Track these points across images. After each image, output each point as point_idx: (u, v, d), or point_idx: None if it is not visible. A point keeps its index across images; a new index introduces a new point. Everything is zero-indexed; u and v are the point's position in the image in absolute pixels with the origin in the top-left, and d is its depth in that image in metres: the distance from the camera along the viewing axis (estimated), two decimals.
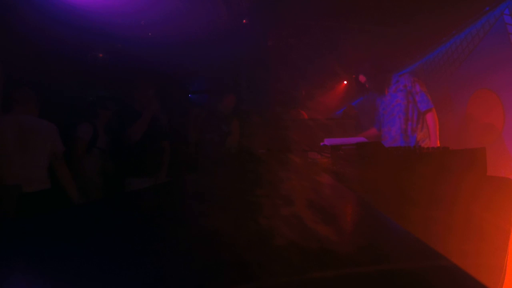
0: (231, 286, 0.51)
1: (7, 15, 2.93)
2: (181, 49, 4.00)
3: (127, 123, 2.98)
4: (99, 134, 3.08)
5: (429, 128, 3.03)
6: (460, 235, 1.28)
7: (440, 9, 3.42)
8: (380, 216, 0.89)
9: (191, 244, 0.70)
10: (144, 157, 3.00)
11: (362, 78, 3.23)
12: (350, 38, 4.32)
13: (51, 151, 2.59)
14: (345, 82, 6.42)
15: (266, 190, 1.13)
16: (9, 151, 2.38)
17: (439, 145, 2.87)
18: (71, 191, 2.69)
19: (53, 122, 2.70)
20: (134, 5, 3.36)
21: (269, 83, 4.55)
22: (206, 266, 0.58)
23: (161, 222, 0.91)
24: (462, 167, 1.60)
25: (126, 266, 0.61)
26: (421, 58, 4.83)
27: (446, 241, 1.20)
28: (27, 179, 2.43)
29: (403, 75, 3.25)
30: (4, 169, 2.37)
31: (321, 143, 2.40)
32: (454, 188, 1.42)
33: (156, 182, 2.99)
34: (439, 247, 0.58)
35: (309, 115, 4.39)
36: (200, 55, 4.16)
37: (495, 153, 3.26)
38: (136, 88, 3.08)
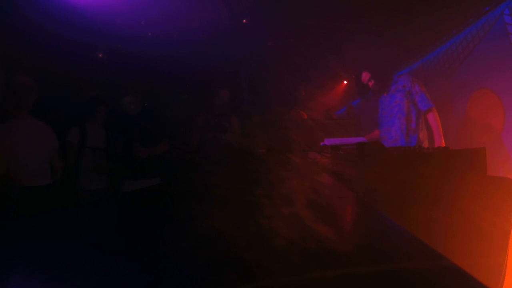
0: (231, 286, 0.51)
1: (8, 15, 2.94)
2: (181, 49, 4.00)
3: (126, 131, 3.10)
4: (90, 134, 3.10)
5: (432, 128, 2.97)
6: (460, 235, 1.28)
7: (440, 9, 3.42)
8: (380, 216, 0.89)
9: (191, 244, 0.70)
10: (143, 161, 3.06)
11: (365, 77, 3.17)
12: (350, 38, 4.32)
13: (51, 150, 2.72)
14: (345, 82, 6.43)
15: (266, 190, 1.13)
16: (16, 155, 2.46)
17: (444, 144, 2.82)
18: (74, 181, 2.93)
19: (52, 122, 2.80)
20: (134, 5, 3.36)
21: (269, 83, 4.55)
22: (206, 266, 0.58)
23: (161, 222, 0.91)
24: (462, 167, 1.60)
25: (126, 266, 0.61)
26: (421, 58, 4.83)
27: (446, 241, 1.20)
28: (29, 174, 2.51)
29: (402, 75, 3.22)
30: (14, 169, 2.44)
31: (321, 143, 2.40)
32: (454, 188, 1.42)
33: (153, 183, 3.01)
34: (439, 247, 0.58)
35: (309, 115, 4.39)
36: (200, 55, 4.16)
37: (495, 153, 3.26)
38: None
